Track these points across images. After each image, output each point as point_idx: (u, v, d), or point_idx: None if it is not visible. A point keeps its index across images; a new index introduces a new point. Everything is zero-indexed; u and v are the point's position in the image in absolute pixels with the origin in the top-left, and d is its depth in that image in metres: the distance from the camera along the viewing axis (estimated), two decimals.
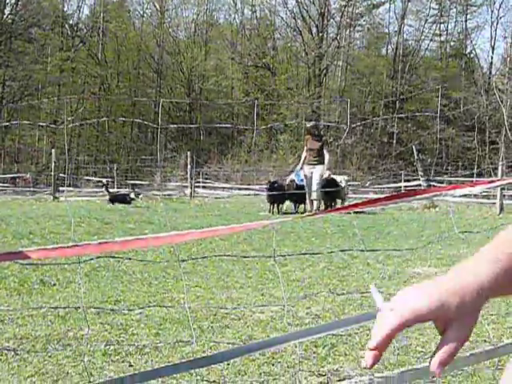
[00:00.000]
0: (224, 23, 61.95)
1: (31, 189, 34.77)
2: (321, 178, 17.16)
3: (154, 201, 24.30)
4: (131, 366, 4.11)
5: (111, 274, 7.37)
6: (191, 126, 49.20)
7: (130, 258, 7.26)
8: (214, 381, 3.72)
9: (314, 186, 17.07)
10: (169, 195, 29.26)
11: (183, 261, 7.52)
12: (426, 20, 58.53)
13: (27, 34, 52.88)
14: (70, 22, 59.36)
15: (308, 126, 18.36)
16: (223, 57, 58.73)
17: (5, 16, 51.47)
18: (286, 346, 3.95)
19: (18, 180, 40.78)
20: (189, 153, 29.22)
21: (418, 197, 3.12)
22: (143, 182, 38.43)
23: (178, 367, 2.94)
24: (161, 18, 58.85)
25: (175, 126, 49.62)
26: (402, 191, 28.90)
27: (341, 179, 18.31)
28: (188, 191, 27.15)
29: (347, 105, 49.69)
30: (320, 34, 53.16)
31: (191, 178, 27.47)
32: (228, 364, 3.91)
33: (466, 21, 58.98)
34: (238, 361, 3.95)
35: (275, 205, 17.34)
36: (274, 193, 16.76)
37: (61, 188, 29.39)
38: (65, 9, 58.87)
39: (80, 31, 59.45)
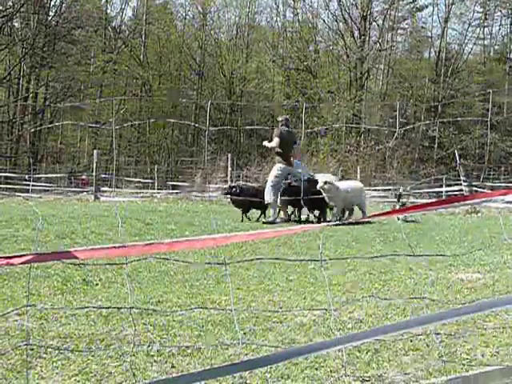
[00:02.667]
0: (266, 26, 62.10)
1: (72, 188, 35.17)
2: (276, 179, 14.58)
3: (195, 202, 24.39)
4: (174, 367, 4.12)
5: (152, 274, 7.39)
6: (237, 127, 49.12)
7: (182, 260, 7.26)
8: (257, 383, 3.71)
9: (267, 189, 14.62)
10: (209, 196, 29.37)
11: (228, 263, 7.49)
12: (470, 23, 58.03)
13: (71, 36, 53.45)
14: (113, 24, 59.99)
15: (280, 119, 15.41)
16: (264, 59, 58.82)
17: (49, 18, 52.12)
18: (330, 351, 3.91)
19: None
20: (229, 155, 29.33)
21: (468, 202, 3.08)
22: (183, 184, 38.63)
23: (222, 370, 2.94)
24: (203, 20, 59.13)
25: (224, 127, 49.69)
26: (443, 196, 28.66)
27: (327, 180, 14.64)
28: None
29: (393, 108, 49.28)
30: (362, 37, 52.93)
31: (231, 181, 27.54)
32: (271, 367, 3.89)
33: (510, 24, 58.32)
34: (281, 364, 3.93)
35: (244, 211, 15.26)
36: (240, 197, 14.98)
37: (102, 188, 29.69)
38: (108, 11, 59.59)
39: (123, 33, 60.05)
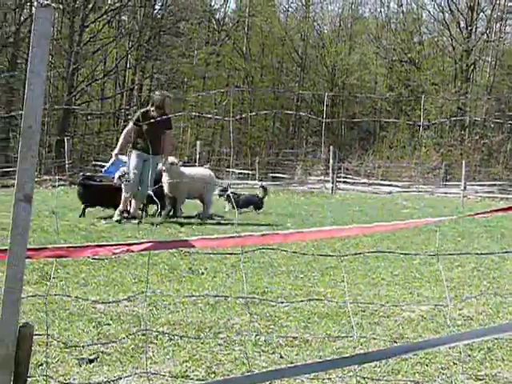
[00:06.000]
0: (369, 17, 61.42)
1: None
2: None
3: (295, 194, 24.44)
4: (282, 357, 4.13)
5: (256, 265, 7.44)
6: (356, 120, 48.79)
7: (295, 252, 7.29)
8: (366, 377, 3.68)
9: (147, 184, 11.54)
10: (310, 188, 29.39)
11: (345, 255, 7.46)
12: None
13: (175, 29, 54.35)
14: (217, 16, 60.65)
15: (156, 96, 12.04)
16: (367, 51, 58.20)
17: (155, 11, 53.21)
18: (440, 347, 3.84)
19: None
20: (331, 147, 29.23)
21: None
22: (284, 176, 38.77)
23: (335, 363, 2.93)
24: (306, 12, 59.06)
25: (340, 119, 49.51)
26: None
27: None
28: (329, 186, 27.16)
29: (500, 101, 47.98)
30: (468, 28, 51.59)
31: (333, 173, 27.46)
32: (381, 362, 3.85)
33: None
34: (391, 359, 3.88)
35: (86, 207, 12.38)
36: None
37: None
38: (212, 3, 60.24)
39: (226, 25, 60.62)
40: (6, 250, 2.51)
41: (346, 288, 6.19)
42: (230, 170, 40.15)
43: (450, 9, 53.38)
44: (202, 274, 6.89)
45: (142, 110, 11.99)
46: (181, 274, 6.83)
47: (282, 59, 58.77)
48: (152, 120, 10.82)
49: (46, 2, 2.22)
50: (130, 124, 11.93)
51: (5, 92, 43.87)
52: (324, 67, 57.42)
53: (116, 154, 11.98)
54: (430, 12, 57.31)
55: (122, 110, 51.47)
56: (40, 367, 3.78)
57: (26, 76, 2.35)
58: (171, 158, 11.98)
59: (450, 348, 4.07)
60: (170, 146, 12.41)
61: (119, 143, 12.07)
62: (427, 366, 3.93)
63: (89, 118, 53.23)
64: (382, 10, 59.99)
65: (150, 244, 2.82)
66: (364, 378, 3.66)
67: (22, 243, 2.42)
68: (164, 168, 11.78)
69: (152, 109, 11.70)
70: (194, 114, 49.40)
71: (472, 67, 52.79)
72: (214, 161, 45.92)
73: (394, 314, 5.19)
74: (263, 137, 57.10)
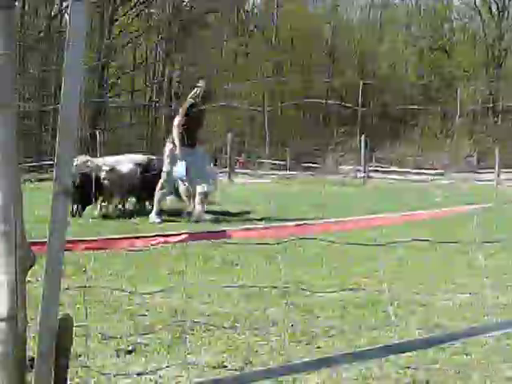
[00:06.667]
0: (399, 5, 60.93)
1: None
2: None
3: (327, 184, 24.37)
4: (319, 347, 4.13)
5: (290, 255, 7.43)
6: (388, 108, 48.54)
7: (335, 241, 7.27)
8: (404, 366, 3.67)
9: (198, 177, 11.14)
10: (341, 177, 29.28)
11: (380, 245, 7.41)
12: None
13: (204, 20, 54.41)
14: (246, 7, 60.56)
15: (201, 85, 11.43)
16: (397, 39, 57.76)
17: (184, 3, 53.25)
18: (478, 336, 3.80)
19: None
20: (362, 136, 29.09)
21: None
22: (315, 165, 38.70)
23: (373, 353, 2.91)
24: (335, 2, 58.73)
25: (373, 108, 49.36)
26: None
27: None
28: (361, 175, 27.05)
29: None
30: (500, 13, 50.90)
31: (364, 162, 27.33)
32: (418, 351, 3.83)
33: None
34: (428, 349, 3.85)
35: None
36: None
37: (236, 170, 30.14)
38: None
39: (255, 16, 60.54)
40: (43, 242, 2.53)
41: (381, 277, 6.16)
42: (264, 160, 40.26)
43: None
44: (237, 264, 6.91)
45: (191, 103, 11.34)
46: (214, 265, 6.85)
47: (311, 49, 58.53)
48: (197, 112, 10.92)
49: None
50: (179, 118, 11.26)
51: (37, 87, 44.25)
52: (354, 56, 57.12)
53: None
54: None
55: (153, 103, 51.69)
56: (79, 358, 3.82)
57: (57, 70, 2.37)
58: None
59: (488, 337, 4.04)
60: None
61: (178, 142, 11.03)
62: (466, 355, 3.91)
63: (120, 111, 53.56)
64: None
65: (186, 235, 2.83)
66: (402, 368, 3.65)
67: (61, 236, 2.44)
68: None
69: (198, 100, 11.23)
70: (225, 105, 49.38)
71: (504, 53, 52.09)
72: (245, 152, 45.92)
73: (430, 303, 5.17)
74: (294, 127, 56.96)
